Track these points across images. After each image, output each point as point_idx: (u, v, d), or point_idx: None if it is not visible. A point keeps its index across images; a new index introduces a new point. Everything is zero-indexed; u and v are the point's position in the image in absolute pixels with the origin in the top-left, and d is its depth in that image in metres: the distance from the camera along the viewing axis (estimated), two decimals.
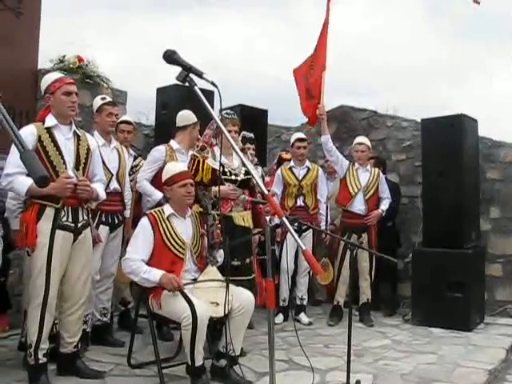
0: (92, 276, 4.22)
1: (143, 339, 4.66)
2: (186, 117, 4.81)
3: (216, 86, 2.14)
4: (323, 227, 5.89)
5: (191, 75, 2.17)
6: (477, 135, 6.07)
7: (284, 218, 2.02)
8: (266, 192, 2.08)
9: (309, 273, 5.88)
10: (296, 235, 2.03)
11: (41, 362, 3.49)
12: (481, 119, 6.05)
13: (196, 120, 4.79)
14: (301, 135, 6.07)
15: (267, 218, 2.36)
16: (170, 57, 2.18)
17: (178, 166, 3.99)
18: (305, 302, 5.94)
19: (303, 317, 5.83)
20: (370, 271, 5.91)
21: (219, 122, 2.16)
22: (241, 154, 2.20)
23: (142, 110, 6.84)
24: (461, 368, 4.21)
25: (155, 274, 3.58)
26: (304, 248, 1.99)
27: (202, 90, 2.20)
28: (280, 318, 5.73)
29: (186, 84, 2.17)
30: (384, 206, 6.05)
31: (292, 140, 5.97)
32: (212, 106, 5.81)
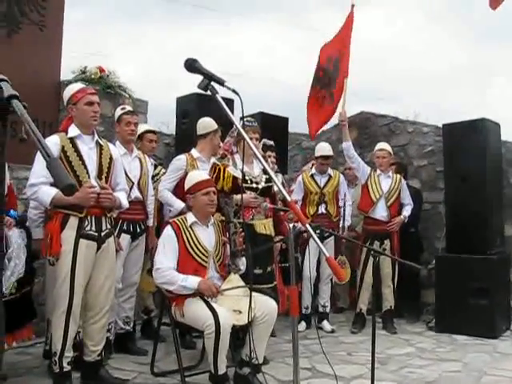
0: (115, 285, 4.27)
1: (166, 348, 4.67)
2: (206, 124, 4.82)
3: (237, 94, 2.15)
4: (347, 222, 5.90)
5: (212, 83, 2.18)
6: (500, 139, 6.00)
7: (307, 225, 2.01)
8: (288, 199, 2.08)
9: (331, 280, 5.85)
10: (319, 242, 2.03)
11: (65, 370, 3.51)
12: (505, 123, 5.99)
13: (216, 127, 4.79)
14: (326, 152, 5.99)
15: (290, 225, 2.35)
16: (191, 65, 2.19)
17: (201, 174, 4.01)
18: (327, 310, 5.91)
19: (326, 324, 5.80)
20: (392, 278, 5.86)
21: (241, 130, 2.17)
22: (263, 160, 2.20)
23: (162, 119, 6.91)
24: (488, 376, 4.14)
25: (192, 282, 3.59)
26: (327, 255, 1.98)
27: (222, 99, 2.21)
28: (303, 325, 5.70)
29: (208, 92, 2.18)
30: (406, 212, 6.02)
31: (317, 154, 5.97)
32: (242, 116, 5.87)
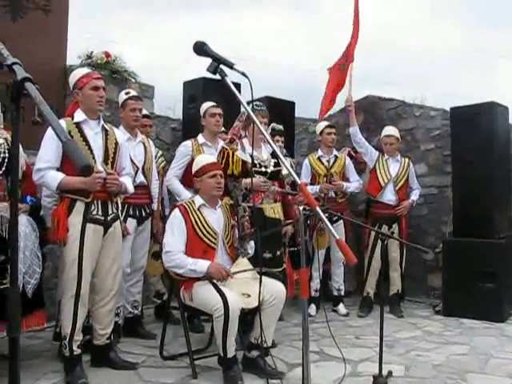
0: (123, 269, 4.29)
1: (175, 331, 4.70)
2: (202, 107, 4.83)
3: (247, 77, 2.14)
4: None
5: (222, 66, 2.16)
6: (508, 123, 5.95)
7: (318, 208, 2.01)
8: (298, 181, 2.07)
9: (343, 263, 5.85)
10: (330, 225, 2.02)
11: (75, 353, 3.55)
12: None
13: (208, 106, 4.76)
14: (328, 122, 6.04)
15: (300, 208, 2.34)
16: (200, 48, 2.17)
17: (208, 157, 4.02)
18: (342, 293, 5.92)
19: (341, 308, 5.82)
20: (400, 262, 5.87)
21: (251, 113, 2.15)
22: (273, 143, 2.19)
23: (169, 104, 6.89)
24: (494, 359, 4.15)
25: (202, 265, 3.60)
26: (338, 237, 1.98)
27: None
28: (313, 309, 5.71)
29: (217, 75, 2.17)
30: (414, 196, 6.03)
31: (321, 127, 5.91)
32: (251, 99, 5.83)
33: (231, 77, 2.19)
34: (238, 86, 5.99)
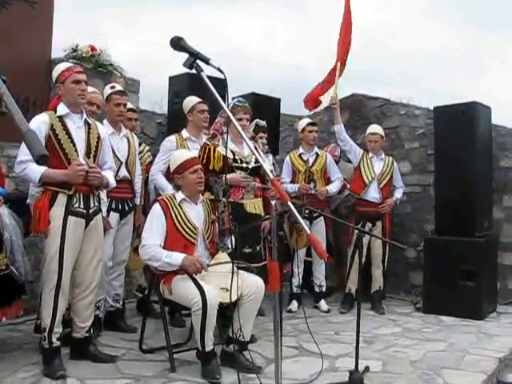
0: (105, 262, 4.31)
1: (156, 325, 4.70)
2: (187, 103, 4.86)
3: (222, 72, 2.16)
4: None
5: (198, 61, 2.19)
6: (490, 123, 6.01)
7: (289, 203, 2.03)
8: (271, 176, 2.10)
9: (324, 259, 5.87)
10: (301, 220, 2.05)
11: (54, 345, 3.55)
12: (498, 107, 6.00)
13: (196, 102, 4.80)
14: (311, 120, 6.06)
15: (272, 202, 2.37)
16: (177, 43, 2.20)
17: (186, 153, 4.04)
18: (323, 289, 5.95)
19: (323, 304, 5.85)
20: (383, 259, 5.92)
21: (226, 109, 2.18)
22: (247, 139, 2.22)
23: (156, 99, 6.91)
24: (470, 356, 4.20)
25: (177, 258, 3.62)
26: (309, 233, 2.01)
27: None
28: (294, 305, 5.75)
29: (193, 70, 2.19)
30: (398, 194, 6.09)
31: (303, 125, 5.92)
32: (226, 95, 5.89)
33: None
34: (224, 80, 6.06)
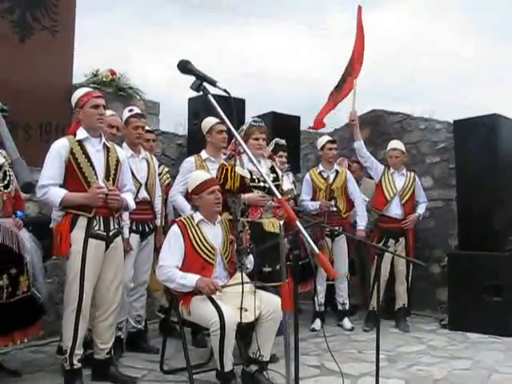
0: (126, 284, 4.35)
1: (178, 345, 4.69)
2: (205, 124, 4.93)
3: (229, 94, 2.18)
4: (362, 227, 5.82)
5: (205, 84, 2.22)
6: None
7: (297, 223, 2.04)
8: (278, 196, 2.11)
9: (347, 277, 5.85)
10: (310, 239, 2.05)
11: (75, 367, 3.60)
12: None
13: (214, 122, 4.85)
14: (330, 137, 6.07)
15: (280, 222, 2.38)
16: (184, 66, 2.23)
17: (204, 174, 4.07)
18: (347, 307, 5.89)
19: (346, 322, 5.80)
20: (406, 276, 5.84)
21: (232, 128, 2.21)
22: (253, 158, 2.26)
23: (180, 120, 7.01)
24: (497, 374, 4.12)
25: (191, 279, 3.65)
26: (317, 252, 2.00)
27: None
28: (317, 323, 5.71)
29: (201, 93, 2.22)
30: (421, 209, 6.02)
31: (322, 143, 5.93)
32: (244, 115, 5.96)
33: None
34: (242, 101, 6.12)
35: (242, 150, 4.48)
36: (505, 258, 5.45)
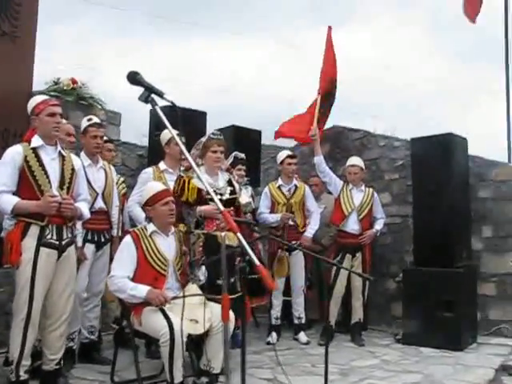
0: (79, 294, 4.32)
1: (131, 357, 4.61)
2: (163, 136, 4.94)
3: (175, 105, 2.22)
4: (309, 234, 5.83)
5: (153, 95, 2.24)
6: (467, 154, 6.08)
7: (239, 235, 2.06)
8: (221, 208, 2.13)
9: (303, 291, 5.89)
10: (250, 251, 2.07)
11: (22, 378, 3.53)
12: (486, 140, 6.09)
13: (171, 136, 4.86)
14: (290, 152, 6.11)
15: (222, 234, 2.40)
16: (133, 78, 2.25)
17: (158, 185, 4.08)
18: (303, 321, 5.92)
19: (302, 336, 5.82)
20: (362, 291, 5.91)
21: (178, 139, 2.25)
22: (195, 167, 2.27)
23: (144, 132, 6.99)
24: None
25: (141, 290, 3.65)
26: (258, 263, 2.03)
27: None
28: (274, 337, 5.73)
29: (148, 104, 2.24)
30: (378, 225, 6.10)
31: (282, 157, 5.95)
32: (205, 128, 5.99)
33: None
34: (204, 114, 6.16)
35: (200, 163, 4.51)
36: (457, 274, 5.56)
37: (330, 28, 6.77)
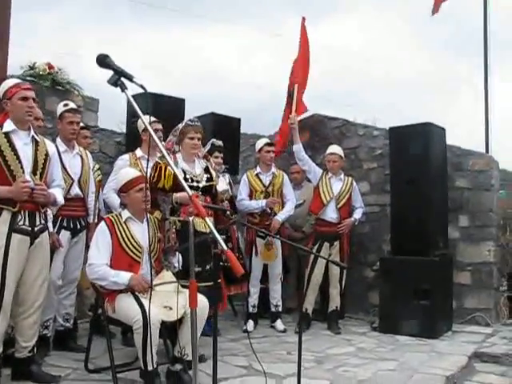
0: (54, 281, 4.28)
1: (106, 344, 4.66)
2: (140, 123, 4.89)
3: (145, 89, 2.19)
4: (279, 218, 5.78)
5: (123, 79, 2.21)
6: (445, 143, 6.11)
7: (207, 219, 2.05)
8: (190, 193, 2.11)
9: (281, 279, 5.91)
10: (219, 237, 2.06)
11: None
12: (468, 131, 6.13)
13: (151, 121, 4.83)
14: (268, 140, 6.10)
15: (190, 218, 2.39)
16: (102, 60, 2.22)
17: (132, 171, 4.05)
18: (280, 309, 5.95)
19: (279, 324, 5.84)
20: (340, 279, 5.93)
21: (148, 126, 2.22)
22: (165, 153, 2.25)
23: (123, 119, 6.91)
24: (419, 374, 4.22)
25: (124, 277, 3.63)
26: (226, 249, 2.02)
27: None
28: (251, 324, 5.75)
29: (118, 88, 2.21)
30: (357, 214, 6.11)
31: (260, 145, 5.96)
32: (183, 115, 5.94)
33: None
34: (182, 101, 6.11)
35: (177, 149, 4.48)
36: (433, 263, 5.60)
37: (303, 18, 6.93)
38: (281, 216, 5.81)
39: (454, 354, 4.85)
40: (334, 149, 6.16)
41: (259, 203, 5.75)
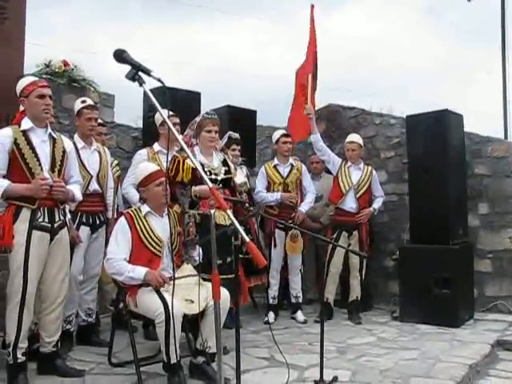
0: (75, 276, 4.32)
1: (129, 338, 4.68)
2: (158, 115, 4.90)
3: (163, 83, 2.18)
4: (302, 209, 5.79)
5: (140, 73, 2.20)
6: (462, 130, 6.04)
7: (229, 212, 2.05)
8: (210, 185, 2.11)
9: (300, 271, 5.91)
10: (240, 229, 2.06)
11: (19, 361, 3.54)
12: (482, 116, 6.05)
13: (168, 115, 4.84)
14: (285, 131, 6.07)
15: (212, 211, 2.39)
16: (120, 56, 2.21)
17: (151, 166, 4.05)
18: (300, 300, 5.94)
19: (299, 315, 5.83)
20: (360, 269, 5.91)
21: (167, 119, 2.21)
22: (185, 146, 2.25)
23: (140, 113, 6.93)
24: (441, 363, 4.20)
25: (140, 272, 3.63)
26: (248, 240, 2.01)
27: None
28: (271, 316, 5.75)
29: (136, 82, 2.21)
30: (376, 204, 6.07)
31: (277, 136, 5.93)
32: (199, 109, 5.94)
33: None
34: (197, 94, 6.11)
35: (194, 142, 4.49)
36: (453, 251, 5.55)
37: (312, 6, 6.78)
38: (304, 207, 5.81)
39: (476, 343, 4.82)
40: (353, 137, 6.11)
41: (274, 196, 5.74)
